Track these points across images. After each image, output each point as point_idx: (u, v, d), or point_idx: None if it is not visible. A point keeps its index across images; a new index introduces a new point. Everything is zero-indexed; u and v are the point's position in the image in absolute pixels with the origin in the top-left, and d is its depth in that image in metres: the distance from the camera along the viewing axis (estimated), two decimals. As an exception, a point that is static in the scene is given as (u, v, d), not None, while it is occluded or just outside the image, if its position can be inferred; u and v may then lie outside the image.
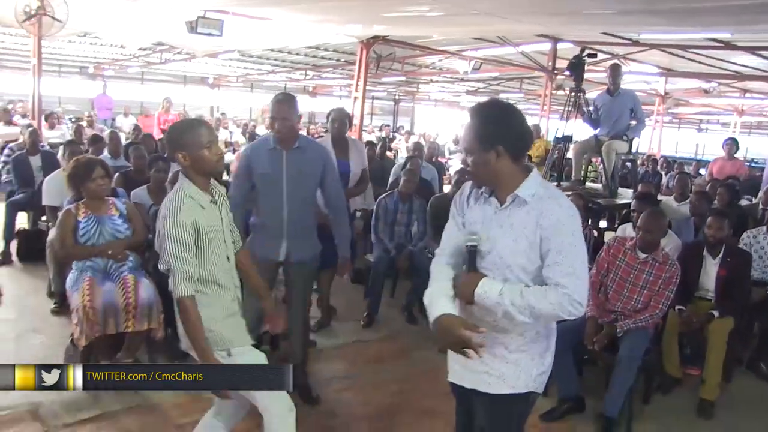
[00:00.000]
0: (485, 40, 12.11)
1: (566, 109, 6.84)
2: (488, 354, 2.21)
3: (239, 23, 10.14)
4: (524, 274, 2.16)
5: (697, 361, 4.46)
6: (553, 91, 13.05)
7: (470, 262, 2.19)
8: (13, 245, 6.61)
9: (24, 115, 12.17)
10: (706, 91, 16.65)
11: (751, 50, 11.08)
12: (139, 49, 15.89)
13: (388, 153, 11.33)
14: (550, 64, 12.34)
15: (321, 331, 5.20)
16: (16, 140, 9.09)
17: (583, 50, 7.03)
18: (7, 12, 9.18)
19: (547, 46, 12.04)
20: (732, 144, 8.62)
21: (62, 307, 5.07)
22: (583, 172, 7.03)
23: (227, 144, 13.69)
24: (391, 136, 16.13)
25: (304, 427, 3.67)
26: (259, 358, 2.76)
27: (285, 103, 3.62)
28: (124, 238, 4.29)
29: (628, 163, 7.51)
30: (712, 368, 4.23)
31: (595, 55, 7.35)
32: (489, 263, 2.19)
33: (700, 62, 12.83)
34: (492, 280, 2.15)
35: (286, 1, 8.41)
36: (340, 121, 5.16)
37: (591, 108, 6.88)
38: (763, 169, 10.75)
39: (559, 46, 11.70)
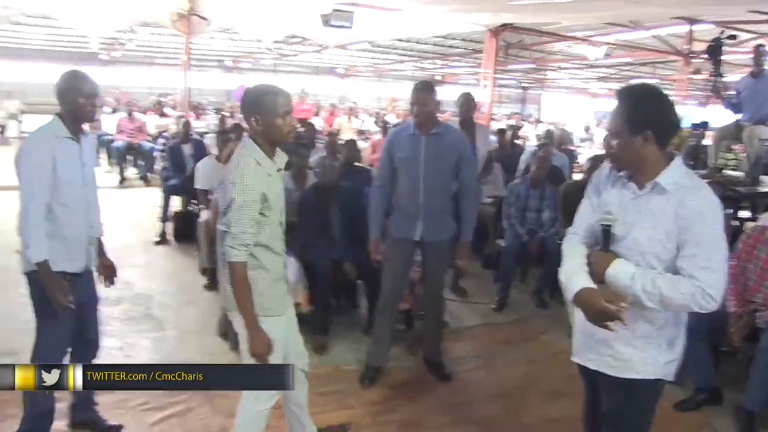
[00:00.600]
0: (616, 25, 11.77)
1: (705, 94, 6.62)
2: (614, 337, 2.24)
3: (369, 14, 10.47)
4: (657, 262, 2.15)
5: None
6: (690, 76, 12.47)
7: (604, 241, 2.22)
8: (169, 227, 7.26)
9: (174, 107, 13.16)
10: None
11: None
12: (274, 42, 16.65)
13: (516, 141, 11.30)
14: (685, 47, 11.83)
15: (454, 313, 5.39)
16: (167, 130, 9.90)
17: (722, 32, 6.76)
18: (161, 14, 10.01)
19: (682, 29, 11.52)
20: None
21: (213, 282, 5.56)
22: (722, 159, 6.78)
23: (359, 132, 14.13)
24: (519, 124, 15.98)
25: (437, 402, 3.92)
26: (292, 326, 2.94)
27: (424, 90, 3.85)
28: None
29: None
30: None
31: (734, 37, 7.06)
32: (623, 248, 2.20)
33: None
34: (626, 262, 2.17)
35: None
36: (467, 105, 5.50)
37: (732, 92, 6.62)
38: None
39: (696, 27, 11.14)
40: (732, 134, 6.64)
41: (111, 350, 4.21)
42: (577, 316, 2.32)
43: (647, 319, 2.22)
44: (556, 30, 12.45)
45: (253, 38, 16.33)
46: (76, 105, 2.96)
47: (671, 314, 2.25)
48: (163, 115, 12.56)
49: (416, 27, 12.37)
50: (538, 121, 20.41)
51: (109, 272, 3.37)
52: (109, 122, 12.23)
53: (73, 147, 3.00)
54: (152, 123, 12.17)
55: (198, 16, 9.12)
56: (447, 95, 24.56)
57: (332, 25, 10.06)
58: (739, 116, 6.59)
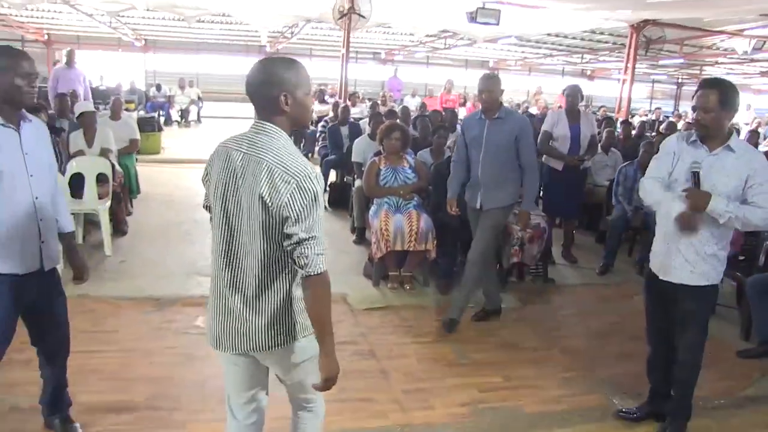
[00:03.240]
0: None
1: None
2: (694, 255, 3.33)
3: (516, 11, 11.45)
4: (728, 197, 3.19)
5: None
6: None
7: (695, 182, 3.27)
8: (325, 196, 8.76)
9: (332, 95, 14.86)
10: None
11: None
12: (426, 35, 17.98)
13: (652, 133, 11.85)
14: None
15: (561, 273, 6.45)
16: (326, 115, 11.51)
17: None
18: (324, 10, 11.58)
19: None
20: None
21: (361, 239, 6.95)
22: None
23: None
24: (661, 119, 16.28)
25: (533, 331, 5.04)
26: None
27: (490, 79, 4.81)
28: (412, 184, 5.93)
29: None
30: None
31: None
32: (705, 188, 3.24)
33: None
34: (719, 196, 3.19)
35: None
36: (573, 96, 6.57)
37: None
38: None
39: None
40: None
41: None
42: (661, 247, 3.46)
43: (714, 241, 3.32)
44: (703, 25, 12.81)
45: (407, 32, 17.79)
46: (11, 87, 2.64)
47: (725, 240, 3.36)
48: (322, 102, 14.32)
49: (562, 23, 13.19)
50: (680, 116, 20.37)
51: (78, 272, 3.25)
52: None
53: (9, 135, 2.70)
54: (314, 108, 13.91)
55: (357, 14, 10.51)
56: (597, 90, 24.90)
57: (478, 22, 11.12)
58: None
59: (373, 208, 5.93)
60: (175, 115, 17.75)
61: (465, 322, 5.08)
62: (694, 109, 3.31)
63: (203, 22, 16.68)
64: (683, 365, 3.55)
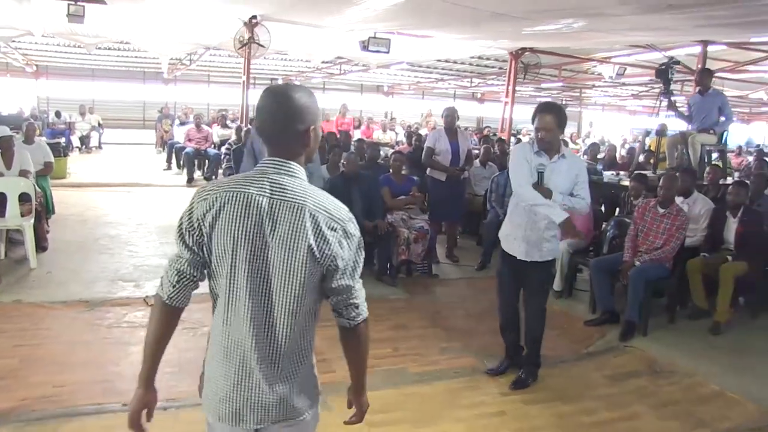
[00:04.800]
0: (635, 46, 13.59)
1: (656, 106, 8.65)
2: (545, 242, 4.48)
3: (405, 40, 12.60)
4: (563, 193, 4.36)
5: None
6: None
7: (540, 180, 4.37)
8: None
9: (233, 120, 15.73)
10: None
11: None
12: (322, 62, 19.03)
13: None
14: (699, 66, 13.57)
15: (444, 271, 7.59)
16: (229, 139, 12.34)
17: (671, 59, 8.77)
18: (224, 39, 12.41)
19: (696, 50, 13.20)
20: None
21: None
22: (677, 160, 8.68)
23: (397, 143, 16.55)
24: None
25: (420, 315, 6.06)
26: None
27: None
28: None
29: (716, 153, 9.00)
30: (723, 297, 6.02)
31: (678, 62, 9.04)
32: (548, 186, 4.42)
33: None
34: (556, 192, 4.36)
35: (439, 25, 10.71)
36: (450, 116, 7.79)
37: (685, 107, 8.62)
38: None
39: (710, 48, 12.76)
40: (680, 141, 8.59)
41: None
42: (517, 233, 4.56)
43: (552, 228, 4.46)
44: (574, 52, 14.46)
45: (303, 59, 18.81)
46: None
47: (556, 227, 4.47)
48: (225, 126, 15.17)
49: (450, 49, 14.48)
50: (587, 136, 22.41)
51: None
52: (178, 132, 15.05)
53: None
54: (216, 133, 14.78)
55: (257, 43, 11.39)
56: (487, 113, 26.54)
57: (370, 51, 12.19)
58: (690, 126, 8.55)
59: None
60: (76, 141, 18.09)
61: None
62: (536, 129, 4.34)
63: (101, 48, 17.13)
64: (533, 322, 4.70)
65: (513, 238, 4.63)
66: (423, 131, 16.56)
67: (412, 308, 6.35)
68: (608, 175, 9.55)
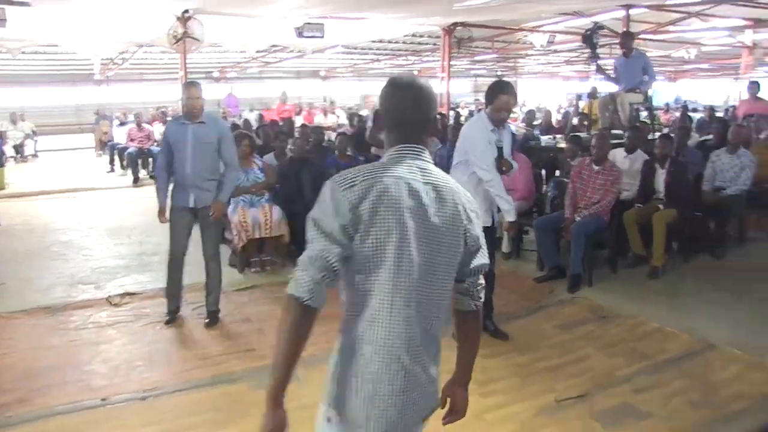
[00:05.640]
0: (563, 14, 13.98)
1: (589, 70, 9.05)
2: (484, 207, 4.65)
3: (339, 23, 12.74)
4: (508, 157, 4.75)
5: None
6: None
7: (500, 154, 4.62)
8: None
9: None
10: (803, 37, 17.26)
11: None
12: (257, 51, 18.99)
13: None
14: (623, 29, 14.07)
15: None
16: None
17: (595, 24, 9.20)
18: (156, 35, 12.36)
19: (620, 13, 13.67)
20: (754, 86, 10.40)
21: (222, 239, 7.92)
22: (607, 120, 9.11)
23: (339, 126, 16.78)
24: (478, 109, 18.43)
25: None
26: None
27: (196, 86, 5.30)
28: (262, 182, 7.06)
29: (644, 111, 9.49)
30: (657, 244, 6.45)
31: (602, 27, 9.48)
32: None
33: None
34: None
35: (371, 6, 10.90)
36: None
37: (611, 69, 9.04)
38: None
39: (633, 11, 13.27)
40: (610, 102, 9.02)
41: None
42: None
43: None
44: (504, 24, 14.81)
45: (238, 50, 18.75)
46: None
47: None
48: (165, 123, 15.12)
49: (384, 29, 14.67)
50: (523, 104, 22.87)
51: None
52: (118, 133, 14.93)
53: None
54: (158, 131, 14.68)
55: (192, 38, 11.38)
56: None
57: (305, 36, 12.32)
58: (617, 87, 8.99)
59: (231, 207, 7.00)
60: (10, 150, 17.69)
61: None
62: (499, 110, 4.54)
63: (27, 53, 16.76)
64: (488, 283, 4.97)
65: None
66: (364, 112, 16.79)
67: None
68: (545, 139, 9.96)
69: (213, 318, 5.51)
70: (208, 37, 12.64)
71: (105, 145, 17.15)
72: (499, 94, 4.51)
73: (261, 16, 11.41)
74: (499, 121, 4.59)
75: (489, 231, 4.83)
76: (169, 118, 15.54)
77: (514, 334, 5.18)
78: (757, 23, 15.20)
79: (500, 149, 4.60)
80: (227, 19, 11.78)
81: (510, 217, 4.77)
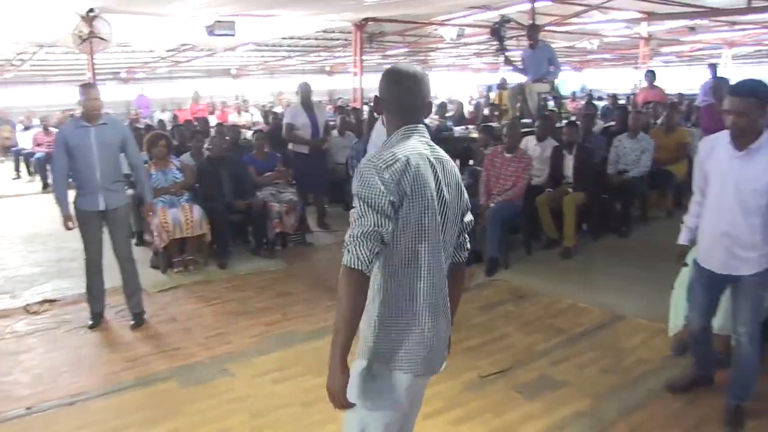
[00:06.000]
0: (472, 7, 14.32)
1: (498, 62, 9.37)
2: None
3: (250, 21, 12.69)
4: None
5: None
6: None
7: None
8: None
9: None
10: (691, 29, 18.34)
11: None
12: (167, 50, 18.65)
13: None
14: (529, 21, 14.53)
15: (318, 238, 7.97)
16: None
17: (502, 17, 9.54)
18: (60, 35, 11.99)
19: (526, 6, 14.03)
20: (650, 75, 10.99)
21: (141, 241, 7.83)
22: (518, 110, 9.46)
23: (253, 124, 16.70)
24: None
25: (301, 283, 6.40)
26: None
27: (94, 87, 5.27)
28: (180, 182, 7.03)
29: (551, 100, 9.88)
30: (567, 226, 6.79)
31: (509, 20, 9.85)
32: None
33: (676, 2, 14.04)
34: None
35: (282, 3, 10.92)
36: (304, 91, 8.10)
37: (519, 61, 9.39)
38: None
39: (538, 4, 13.67)
40: (518, 92, 9.37)
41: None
42: None
43: None
44: (414, 18, 15.06)
45: (147, 49, 18.36)
46: None
47: None
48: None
49: (295, 26, 14.68)
50: (435, 96, 23.24)
51: None
52: (23, 138, 14.42)
53: None
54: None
55: (99, 37, 11.11)
56: (338, 85, 26.87)
57: (216, 34, 12.21)
58: (525, 78, 9.33)
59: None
60: None
61: (241, 280, 6.39)
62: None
63: None
64: None
65: None
66: (278, 109, 16.76)
67: (293, 276, 6.70)
68: (458, 130, 10.23)
69: (138, 320, 5.48)
70: (115, 37, 12.39)
71: (8, 150, 16.48)
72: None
73: (170, 15, 11.26)
74: None
75: None
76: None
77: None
78: (652, 16, 16.03)
79: None
80: (135, 18, 11.57)
81: None
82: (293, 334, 5.19)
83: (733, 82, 3.85)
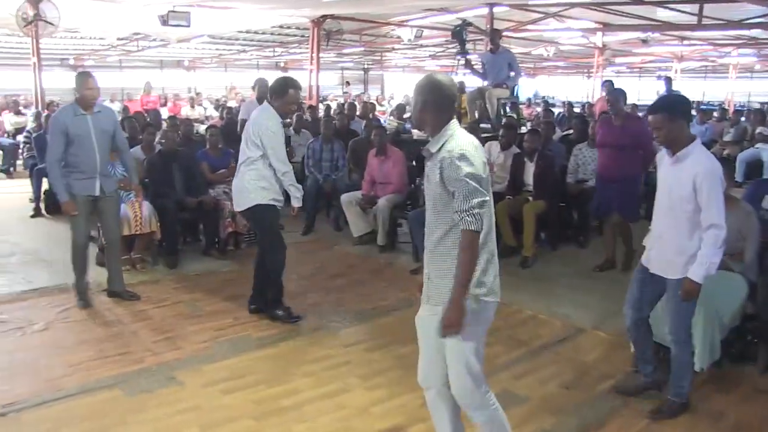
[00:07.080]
0: (429, 9, 14.27)
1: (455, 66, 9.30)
2: None
3: (206, 12, 12.38)
4: None
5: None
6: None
7: (288, 144, 4.73)
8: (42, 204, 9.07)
9: (26, 106, 14.61)
10: (644, 41, 18.69)
11: (660, 4, 13.02)
12: (118, 39, 18.15)
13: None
14: (488, 26, 14.48)
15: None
16: (24, 126, 11.53)
17: (463, 20, 9.46)
18: (6, 18, 11.47)
19: (484, 11, 14.02)
20: (609, 85, 11.05)
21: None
22: (477, 114, 9.36)
23: (207, 118, 16.33)
24: (351, 101, 18.46)
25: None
26: None
27: (92, 77, 5.47)
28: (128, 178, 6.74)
29: (509, 106, 9.82)
30: (527, 235, 6.70)
31: (470, 24, 9.79)
32: None
33: (630, 15, 14.27)
34: None
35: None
36: (261, 87, 7.98)
37: (478, 64, 9.32)
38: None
39: (496, 9, 13.63)
40: (478, 96, 9.28)
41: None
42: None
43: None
44: (372, 17, 14.93)
45: (97, 36, 17.81)
46: None
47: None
48: (19, 113, 14.08)
49: (251, 20, 14.41)
50: (391, 98, 23.17)
51: None
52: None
53: None
54: (8, 121, 13.72)
55: (45, 21, 10.68)
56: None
57: (170, 25, 11.87)
58: (485, 82, 9.26)
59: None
60: None
61: (191, 281, 6.14)
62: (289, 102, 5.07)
63: None
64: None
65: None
66: (231, 104, 16.41)
67: (244, 278, 6.37)
68: (417, 132, 10.07)
69: (128, 296, 5.80)
70: (63, 22, 11.96)
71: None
72: (290, 89, 4.97)
73: (123, 2, 10.91)
74: (288, 114, 5.11)
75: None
76: (22, 109, 14.63)
77: (395, 326, 5.21)
78: (607, 27, 16.27)
79: (288, 138, 4.85)
80: (86, 3, 11.20)
81: (298, 203, 5.28)
82: (245, 339, 4.97)
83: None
